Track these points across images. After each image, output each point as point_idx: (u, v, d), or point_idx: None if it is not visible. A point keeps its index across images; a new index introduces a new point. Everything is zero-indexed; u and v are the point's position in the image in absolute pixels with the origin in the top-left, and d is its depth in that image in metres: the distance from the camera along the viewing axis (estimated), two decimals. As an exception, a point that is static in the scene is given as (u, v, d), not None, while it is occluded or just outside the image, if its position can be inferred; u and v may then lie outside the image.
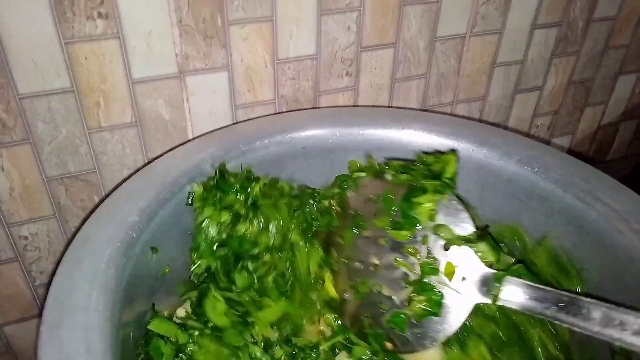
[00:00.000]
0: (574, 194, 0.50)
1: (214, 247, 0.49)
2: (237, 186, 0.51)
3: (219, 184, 0.50)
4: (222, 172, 0.51)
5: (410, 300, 0.51)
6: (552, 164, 0.52)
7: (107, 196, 0.47)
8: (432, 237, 0.51)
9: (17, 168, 0.58)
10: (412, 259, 0.51)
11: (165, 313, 0.48)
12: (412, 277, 0.52)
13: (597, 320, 0.40)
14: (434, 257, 0.51)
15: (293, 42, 0.64)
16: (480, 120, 0.84)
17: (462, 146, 0.56)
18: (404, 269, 0.52)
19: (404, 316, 0.51)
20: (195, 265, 0.49)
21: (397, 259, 0.52)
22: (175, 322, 0.46)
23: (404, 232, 0.52)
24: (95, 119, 0.59)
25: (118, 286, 0.37)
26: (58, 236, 0.64)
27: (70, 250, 0.39)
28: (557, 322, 0.43)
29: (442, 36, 0.73)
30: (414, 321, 0.51)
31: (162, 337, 0.44)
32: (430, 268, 0.50)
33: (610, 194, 0.48)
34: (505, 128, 0.88)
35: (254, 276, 0.50)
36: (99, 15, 0.54)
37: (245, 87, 0.65)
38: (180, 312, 0.49)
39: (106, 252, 0.39)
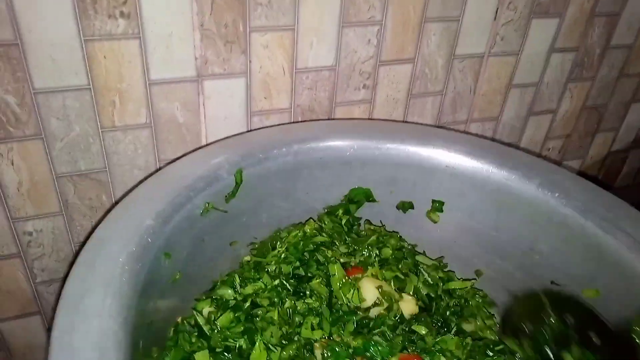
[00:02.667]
0: (595, 222, 0.49)
1: None
2: None
3: None
4: None
5: None
6: (573, 190, 0.52)
7: (116, 196, 0.46)
8: None
9: (27, 163, 0.57)
10: None
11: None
12: None
13: None
14: None
15: (313, 52, 0.64)
16: (493, 141, 0.84)
17: (481, 166, 0.55)
18: None
19: None
20: None
21: None
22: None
23: None
24: (109, 118, 0.58)
25: (133, 292, 0.36)
26: (63, 234, 0.63)
27: (84, 252, 0.38)
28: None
29: (460, 54, 0.72)
30: None
31: None
32: None
33: (631, 224, 0.48)
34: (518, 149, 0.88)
35: None
36: (121, 14, 0.53)
37: (262, 94, 0.64)
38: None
39: (121, 257, 0.38)
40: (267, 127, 0.65)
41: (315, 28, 0.62)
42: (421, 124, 0.75)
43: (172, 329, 0.47)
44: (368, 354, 0.46)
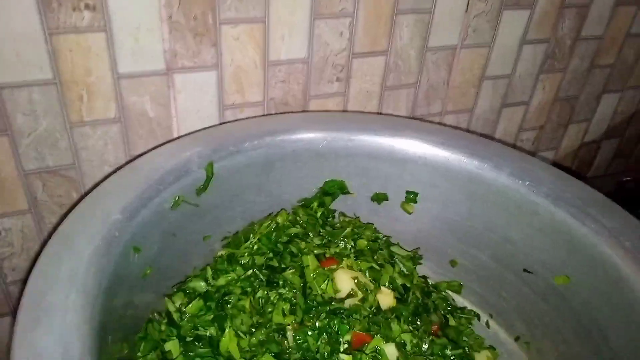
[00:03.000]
0: (565, 209, 0.50)
1: None
2: None
3: None
4: None
5: None
6: (543, 178, 0.52)
7: (87, 192, 0.45)
8: None
9: (-7, 160, 0.56)
10: None
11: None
12: None
13: None
14: None
15: (285, 45, 0.63)
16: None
17: (453, 156, 0.56)
18: None
19: None
20: None
21: None
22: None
23: None
24: (77, 113, 0.57)
25: (99, 287, 0.36)
26: (33, 232, 0.62)
27: (48, 247, 0.37)
28: None
29: (433, 47, 0.73)
30: None
31: None
32: None
33: (600, 211, 0.49)
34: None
35: None
36: (86, 6, 0.52)
37: (234, 87, 0.63)
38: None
39: (86, 251, 0.37)
40: (238, 119, 0.65)
41: (287, 20, 0.62)
42: (394, 115, 0.76)
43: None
44: (329, 329, 0.46)
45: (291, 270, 0.51)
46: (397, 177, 0.60)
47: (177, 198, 0.48)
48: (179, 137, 0.62)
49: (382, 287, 0.54)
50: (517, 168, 0.53)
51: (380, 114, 0.75)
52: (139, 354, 0.43)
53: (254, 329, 0.46)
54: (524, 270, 0.55)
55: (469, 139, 0.59)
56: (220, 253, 0.56)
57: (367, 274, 0.54)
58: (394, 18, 0.67)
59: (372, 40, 0.68)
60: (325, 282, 0.50)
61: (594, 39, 0.85)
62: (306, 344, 0.46)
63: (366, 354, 0.45)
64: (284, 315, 0.47)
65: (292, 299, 0.49)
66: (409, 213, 0.61)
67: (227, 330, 0.44)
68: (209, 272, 0.51)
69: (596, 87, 0.92)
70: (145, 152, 0.60)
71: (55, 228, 0.41)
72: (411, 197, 0.60)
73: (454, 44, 0.74)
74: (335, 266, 0.53)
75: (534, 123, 0.91)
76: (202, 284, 0.50)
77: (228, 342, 0.43)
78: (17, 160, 0.57)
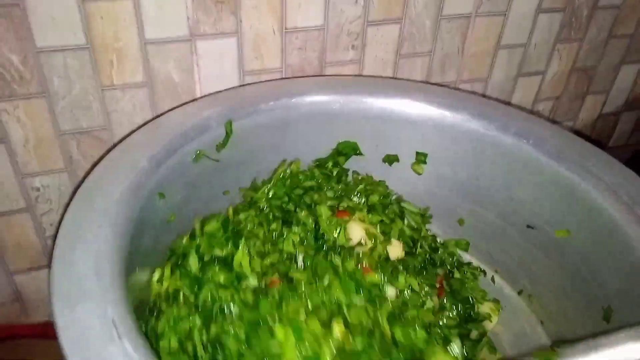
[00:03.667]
0: (566, 166, 0.52)
1: None
2: None
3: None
4: None
5: None
6: (547, 138, 0.54)
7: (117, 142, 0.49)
8: None
9: (32, 120, 0.61)
10: None
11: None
12: None
13: None
14: None
15: (301, 12, 0.66)
16: (482, 101, 0.86)
17: (461, 117, 0.58)
18: None
19: None
20: None
21: None
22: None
23: None
24: (108, 77, 0.61)
25: (127, 223, 0.40)
26: (68, 189, 0.67)
27: (82, 188, 0.42)
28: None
29: (447, 15, 0.74)
30: None
31: None
32: None
33: (601, 167, 0.51)
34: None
35: None
36: (116, -25, 0.56)
37: (253, 54, 0.67)
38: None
39: (117, 193, 0.42)
40: (256, 82, 0.68)
41: (303, -12, 0.64)
42: (407, 79, 0.78)
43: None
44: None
45: (305, 212, 0.54)
46: (407, 139, 0.62)
47: (198, 152, 0.52)
48: (203, 96, 0.66)
49: (392, 239, 0.57)
50: (522, 128, 0.56)
51: (395, 78, 0.77)
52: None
53: (265, 253, 0.50)
54: (528, 226, 0.57)
55: (477, 100, 0.61)
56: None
57: (377, 227, 0.57)
58: (409, -14, 0.69)
59: (386, 8, 0.70)
60: (338, 229, 0.53)
61: (612, 8, 0.85)
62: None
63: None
64: (294, 246, 0.51)
65: (304, 237, 0.52)
66: (419, 174, 0.64)
67: (241, 247, 0.48)
68: (230, 210, 0.55)
69: (614, 57, 0.92)
70: (172, 108, 0.64)
71: (87, 173, 0.45)
72: (421, 158, 0.63)
73: (468, 12, 0.75)
74: (347, 218, 0.56)
75: (551, 93, 0.91)
76: (222, 216, 0.54)
77: (241, 257, 0.47)
78: (54, 122, 0.62)
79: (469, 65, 0.81)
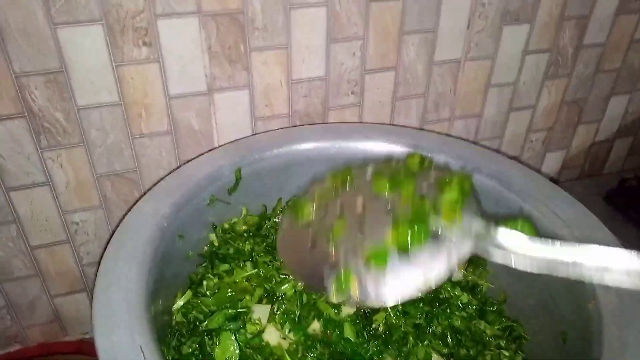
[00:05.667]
0: (531, 204, 0.59)
1: None
2: None
3: None
4: None
5: (396, 232, 0.49)
6: (514, 178, 0.62)
7: (145, 191, 0.58)
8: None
9: (73, 166, 0.71)
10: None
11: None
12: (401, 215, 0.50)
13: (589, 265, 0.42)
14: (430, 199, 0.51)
15: (305, 65, 0.75)
16: (475, 136, 0.94)
17: (444, 158, 0.66)
18: (391, 207, 0.51)
19: (386, 249, 0.49)
20: None
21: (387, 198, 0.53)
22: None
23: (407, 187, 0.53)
24: (137, 127, 0.71)
25: (152, 262, 0.49)
26: (103, 223, 0.77)
27: (116, 234, 0.51)
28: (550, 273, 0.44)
29: (439, 60, 0.82)
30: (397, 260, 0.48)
31: None
32: (425, 206, 0.50)
33: (560, 206, 0.58)
34: (501, 143, 0.97)
35: None
36: (144, 43, 0.65)
37: (263, 102, 0.76)
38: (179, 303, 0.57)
39: (143, 237, 0.51)
40: (262, 132, 0.77)
41: (306, 45, 0.73)
42: (401, 125, 0.86)
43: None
44: None
45: None
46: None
47: (212, 197, 0.61)
48: (217, 147, 0.75)
49: None
50: (494, 170, 0.63)
51: (392, 122, 0.85)
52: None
53: None
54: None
55: (459, 144, 0.69)
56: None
57: None
58: (401, 38, 0.77)
59: (382, 58, 0.78)
60: None
61: (597, 46, 0.92)
62: None
63: None
64: None
65: None
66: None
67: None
68: None
69: (604, 90, 0.98)
70: (191, 159, 0.74)
71: (120, 220, 0.54)
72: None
73: (458, 57, 0.83)
74: None
75: (543, 125, 0.98)
76: None
77: None
78: (91, 166, 0.72)
79: (461, 103, 0.88)
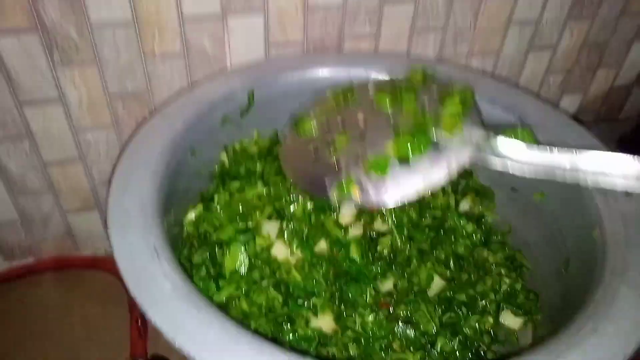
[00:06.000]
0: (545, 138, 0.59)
1: None
2: None
3: None
4: None
5: (396, 143, 0.51)
6: (530, 112, 0.61)
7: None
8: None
9: (86, 84, 0.71)
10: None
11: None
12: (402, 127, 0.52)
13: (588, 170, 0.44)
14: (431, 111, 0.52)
15: (323, -10, 0.73)
16: (492, 75, 0.92)
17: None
18: (393, 121, 0.53)
19: (387, 159, 0.51)
20: None
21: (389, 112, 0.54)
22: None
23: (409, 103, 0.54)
24: (150, 47, 0.70)
25: (165, 172, 0.50)
26: (114, 143, 0.77)
27: (130, 144, 0.52)
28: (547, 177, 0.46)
29: (460, -8, 0.80)
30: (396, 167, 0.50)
31: None
32: (426, 118, 0.51)
33: (574, 139, 0.58)
34: (517, 83, 0.95)
35: None
36: (159, -43, 0.64)
37: (278, 28, 0.74)
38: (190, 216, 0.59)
39: (157, 148, 0.51)
40: (276, 58, 0.76)
41: (325, -31, 0.71)
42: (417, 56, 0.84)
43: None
44: None
45: None
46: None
47: (224, 116, 0.61)
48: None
49: None
50: (509, 102, 0.62)
51: (409, 54, 0.84)
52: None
53: None
54: (512, 189, 0.64)
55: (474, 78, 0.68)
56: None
57: None
58: (422, -34, 0.75)
59: (401, -14, 0.76)
60: None
61: (625, -14, 0.88)
62: None
63: None
64: None
65: None
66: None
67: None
68: None
69: (627, 34, 0.95)
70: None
71: (133, 133, 0.55)
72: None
73: (480, -12, 0.81)
74: None
75: (562, 66, 0.96)
76: None
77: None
78: (103, 85, 0.72)
79: (480, 39, 0.86)
